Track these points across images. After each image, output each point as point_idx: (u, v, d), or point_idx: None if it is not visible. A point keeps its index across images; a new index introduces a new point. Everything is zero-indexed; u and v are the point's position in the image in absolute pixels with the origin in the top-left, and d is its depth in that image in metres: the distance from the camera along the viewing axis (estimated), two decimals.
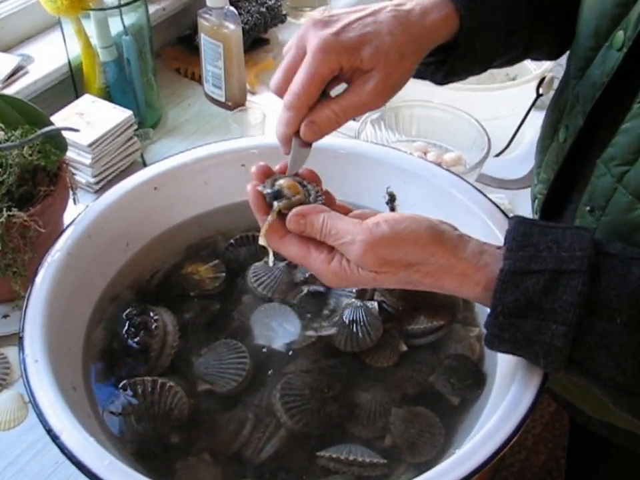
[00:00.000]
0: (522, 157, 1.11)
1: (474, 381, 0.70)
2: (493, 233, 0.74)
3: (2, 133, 0.83)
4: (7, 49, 1.11)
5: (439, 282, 0.57)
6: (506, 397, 0.60)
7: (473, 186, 0.80)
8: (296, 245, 0.59)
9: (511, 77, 1.31)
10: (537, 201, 0.78)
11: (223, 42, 1.12)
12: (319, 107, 0.61)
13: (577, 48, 0.68)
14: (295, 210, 0.59)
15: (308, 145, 0.63)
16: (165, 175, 0.82)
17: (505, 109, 1.18)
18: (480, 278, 0.56)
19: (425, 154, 1.01)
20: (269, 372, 0.71)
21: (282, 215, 0.60)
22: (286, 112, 0.62)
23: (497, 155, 1.14)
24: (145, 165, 1.07)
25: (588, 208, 0.64)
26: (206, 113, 1.20)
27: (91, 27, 1.03)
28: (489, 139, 0.96)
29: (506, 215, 0.76)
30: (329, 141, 0.86)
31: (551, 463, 1.86)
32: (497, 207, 0.77)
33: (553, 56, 0.79)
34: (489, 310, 0.56)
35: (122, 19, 1.04)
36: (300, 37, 0.62)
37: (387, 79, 0.61)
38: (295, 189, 0.61)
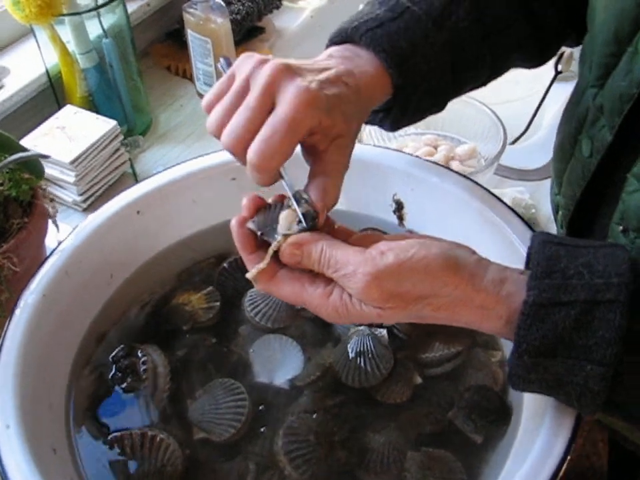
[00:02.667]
0: (542, 143, 1.02)
1: (498, 415, 0.63)
2: (511, 244, 0.67)
3: None
4: None
5: (456, 315, 0.51)
6: (535, 444, 0.53)
7: (489, 191, 0.72)
8: (288, 284, 0.53)
9: None
10: (560, 213, 0.70)
11: (211, 37, 1.04)
12: (319, 180, 0.55)
13: (594, 54, 0.59)
14: (290, 240, 0.52)
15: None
16: (147, 197, 0.74)
17: (521, 89, 1.09)
18: (502, 310, 0.49)
19: (436, 148, 0.92)
20: (271, 414, 0.64)
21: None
22: (256, 174, 0.52)
23: (514, 142, 1.05)
24: (135, 176, 1.01)
25: (621, 228, 0.56)
26: (200, 113, 1.12)
27: (67, 33, 0.96)
28: (504, 129, 0.88)
29: (527, 224, 0.68)
30: None
31: (589, 447, 1.79)
32: (516, 214, 0.69)
33: (535, 65, 0.73)
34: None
35: (100, 22, 0.97)
36: (268, 82, 0.52)
37: (353, 146, 0.58)
38: (291, 219, 0.54)
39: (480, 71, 0.67)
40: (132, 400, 0.66)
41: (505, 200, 0.88)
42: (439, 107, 0.68)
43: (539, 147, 1.01)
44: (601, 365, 0.46)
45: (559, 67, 1.03)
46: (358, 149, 0.78)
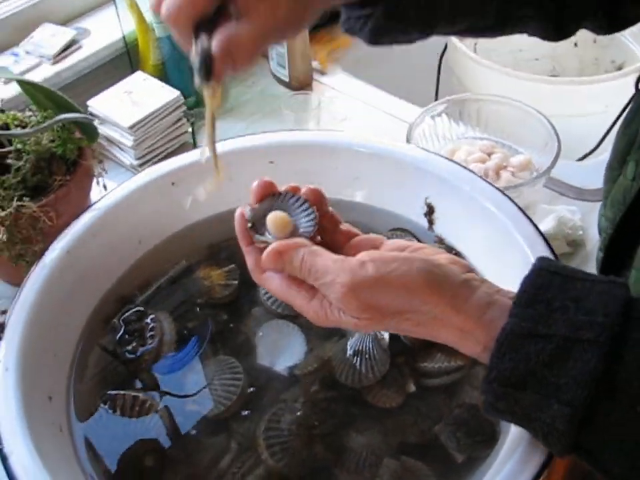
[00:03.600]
0: None
1: (484, 437, 0.61)
2: (529, 265, 0.64)
3: (30, 113, 0.81)
4: (64, 22, 1.09)
5: (434, 332, 0.50)
6: (498, 476, 0.51)
7: (518, 207, 0.69)
8: (275, 280, 0.53)
9: (617, 65, 1.15)
10: (602, 237, 0.67)
11: None
12: (228, 25, 0.47)
13: None
14: (270, 247, 0.52)
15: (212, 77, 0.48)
16: (183, 170, 0.77)
17: (599, 103, 1.04)
18: (481, 336, 0.48)
19: (489, 155, 0.90)
20: (262, 398, 0.65)
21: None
22: (172, 30, 0.48)
23: (582, 158, 1.00)
24: (195, 146, 1.03)
25: None
26: (268, 92, 1.13)
27: (145, 2, 0.99)
28: (559, 143, 0.84)
29: (550, 246, 0.65)
30: (364, 141, 0.78)
31: None
32: (541, 234, 0.66)
33: (548, 35, 0.61)
34: None
35: None
36: None
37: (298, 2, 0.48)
38: (282, 226, 0.54)
39: (484, 6, 0.57)
40: (134, 362, 0.68)
41: (551, 217, 0.85)
42: (424, 27, 0.58)
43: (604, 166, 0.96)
44: (569, 406, 0.43)
45: None
46: (396, 148, 0.78)
